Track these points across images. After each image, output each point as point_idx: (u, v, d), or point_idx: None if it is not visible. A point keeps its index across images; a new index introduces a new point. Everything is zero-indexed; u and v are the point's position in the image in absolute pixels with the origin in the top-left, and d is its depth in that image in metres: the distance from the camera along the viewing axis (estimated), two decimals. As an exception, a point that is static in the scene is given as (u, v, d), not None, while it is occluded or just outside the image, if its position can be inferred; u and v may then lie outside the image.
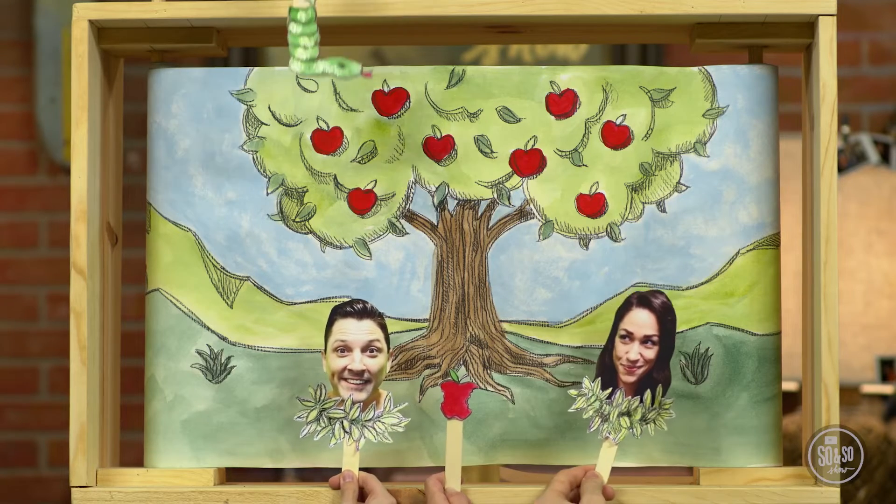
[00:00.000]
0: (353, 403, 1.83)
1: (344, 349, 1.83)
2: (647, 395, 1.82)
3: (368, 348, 1.83)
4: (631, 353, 1.82)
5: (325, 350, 1.84)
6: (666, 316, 1.83)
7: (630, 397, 1.82)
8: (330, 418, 1.84)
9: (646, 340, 1.83)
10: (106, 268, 1.95)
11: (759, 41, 1.93)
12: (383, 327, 1.84)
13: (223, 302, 1.93)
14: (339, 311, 1.84)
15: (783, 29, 1.91)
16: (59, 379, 3.76)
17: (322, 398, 1.84)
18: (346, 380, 1.83)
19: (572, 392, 1.85)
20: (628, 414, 1.82)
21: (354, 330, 1.83)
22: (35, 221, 3.80)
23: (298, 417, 1.85)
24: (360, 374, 1.83)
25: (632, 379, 1.83)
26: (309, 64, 1.79)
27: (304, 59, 1.79)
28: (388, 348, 1.84)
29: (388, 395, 1.84)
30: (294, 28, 1.79)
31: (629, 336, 1.83)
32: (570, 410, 1.84)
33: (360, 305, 1.84)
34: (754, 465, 1.90)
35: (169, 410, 1.92)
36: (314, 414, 1.84)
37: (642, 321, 1.83)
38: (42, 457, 3.78)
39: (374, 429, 1.83)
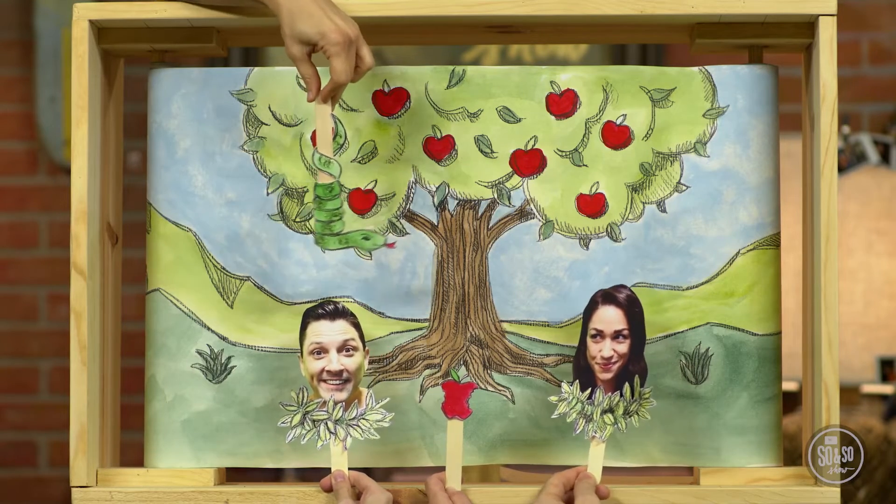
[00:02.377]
0: (336, 404, 1.83)
1: (320, 351, 1.83)
2: (627, 388, 1.82)
3: (344, 348, 1.83)
4: (604, 350, 1.82)
5: (301, 353, 1.84)
6: (633, 308, 1.83)
7: (610, 394, 1.82)
8: (314, 420, 1.83)
9: (616, 336, 1.82)
10: (106, 268, 1.95)
11: (759, 41, 1.93)
12: (357, 326, 1.84)
13: (223, 302, 1.93)
14: (312, 314, 1.84)
15: (783, 29, 1.91)
16: (59, 379, 3.76)
17: (305, 401, 1.84)
18: (325, 381, 1.83)
19: (552, 398, 1.85)
20: (611, 410, 1.82)
21: (328, 331, 1.83)
22: (35, 221, 3.80)
23: (282, 423, 1.84)
24: (338, 374, 1.83)
25: (609, 375, 1.82)
26: (336, 239, 1.84)
27: (329, 234, 1.85)
28: (364, 346, 1.84)
29: (369, 393, 1.84)
30: (320, 205, 1.83)
31: (600, 334, 1.83)
32: (552, 417, 1.84)
33: (331, 307, 1.84)
34: (754, 465, 1.90)
35: (169, 410, 1.92)
36: (298, 418, 1.84)
37: (610, 318, 1.83)
38: (42, 457, 3.78)
39: (358, 427, 1.83)
